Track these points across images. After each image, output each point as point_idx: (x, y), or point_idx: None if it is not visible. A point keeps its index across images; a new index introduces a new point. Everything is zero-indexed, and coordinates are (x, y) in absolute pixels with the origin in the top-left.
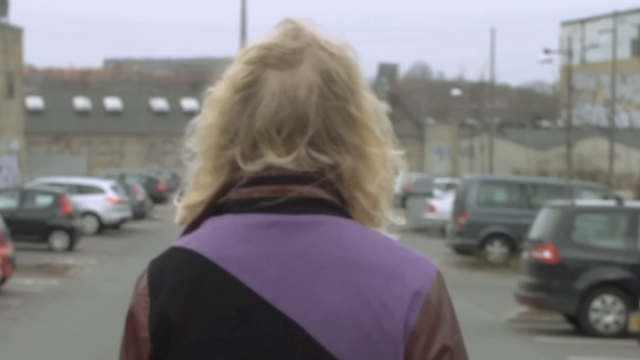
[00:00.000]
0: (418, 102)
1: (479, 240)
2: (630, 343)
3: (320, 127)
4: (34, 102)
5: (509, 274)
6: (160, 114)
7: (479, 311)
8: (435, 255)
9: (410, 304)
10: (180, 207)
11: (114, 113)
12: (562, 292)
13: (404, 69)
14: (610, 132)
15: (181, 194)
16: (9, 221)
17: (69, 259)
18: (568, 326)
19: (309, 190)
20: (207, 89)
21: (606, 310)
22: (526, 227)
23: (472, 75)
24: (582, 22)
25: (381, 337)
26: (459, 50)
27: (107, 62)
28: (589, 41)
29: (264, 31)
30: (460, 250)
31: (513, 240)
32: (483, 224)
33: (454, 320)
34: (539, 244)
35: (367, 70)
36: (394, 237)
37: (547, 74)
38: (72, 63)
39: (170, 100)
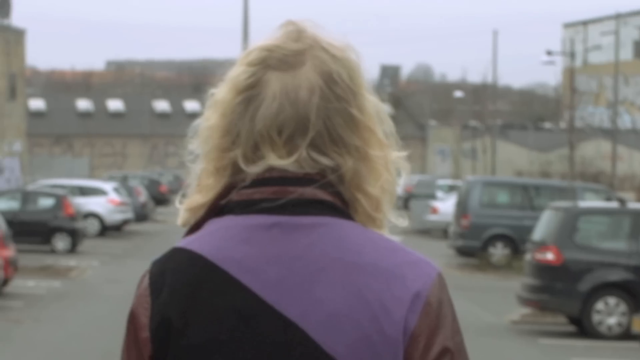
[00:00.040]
0: (420, 103)
1: (482, 242)
2: (633, 345)
3: (322, 129)
4: (36, 103)
5: (511, 276)
6: (163, 115)
7: (481, 313)
8: (438, 256)
9: (410, 306)
10: (182, 209)
11: (116, 115)
12: (565, 294)
13: (406, 70)
14: (612, 134)
15: (183, 195)
16: (11, 223)
17: (71, 261)
18: (571, 328)
19: (310, 191)
20: (210, 90)
21: (609, 312)
22: (529, 229)
23: (475, 76)
24: (585, 23)
25: (381, 339)
26: (462, 51)
27: (110, 63)
28: (592, 43)
29: (266, 33)
30: (463, 251)
31: (515, 242)
32: (485, 226)
33: (454, 322)
34: (541, 245)
35: (369, 72)
36: (396, 238)
37: (550, 76)
38: (74, 65)
39: (173, 102)
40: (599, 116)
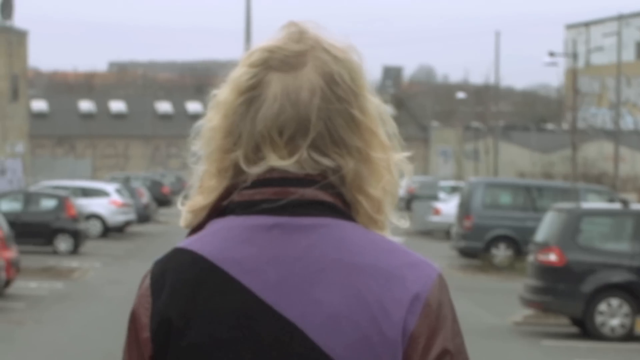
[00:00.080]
0: (423, 105)
1: (484, 243)
2: (637, 346)
3: (323, 130)
4: (39, 105)
5: (514, 277)
6: (165, 116)
7: (484, 314)
8: (440, 258)
9: (410, 307)
10: (184, 211)
11: (119, 116)
12: (568, 295)
13: (408, 71)
14: (615, 135)
15: (185, 197)
16: (13, 224)
17: (73, 262)
18: (574, 329)
19: (310, 192)
20: (212, 91)
21: (612, 314)
22: (531, 230)
23: (477, 78)
24: (587, 25)
25: (380, 340)
26: (464, 53)
27: (112, 65)
28: (594, 44)
29: (268, 34)
30: (465, 253)
31: (518, 243)
32: (488, 227)
33: (455, 324)
34: (544, 246)
35: (372, 73)
36: (398, 239)
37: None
38: (76, 66)
39: (175, 103)
40: (601, 117)
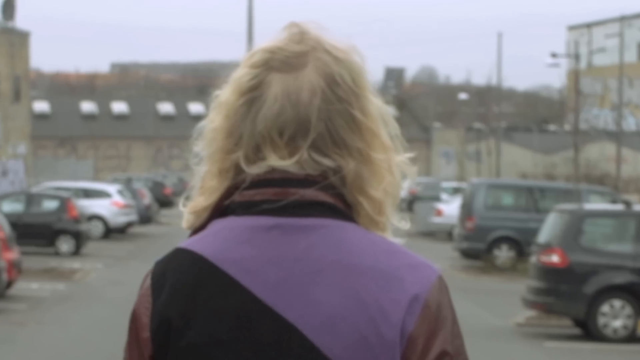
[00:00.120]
0: (425, 106)
1: (487, 244)
2: (639, 348)
3: (323, 131)
4: (41, 106)
5: (516, 278)
6: (167, 118)
7: (486, 315)
8: (443, 259)
9: (408, 308)
10: (186, 212)
11: (121, 117)
12: (570, 297)
13: (410, 72)
14: (617, 136)
15: (187, 198)
16: (15, 225)
17: (75, 263)
18: (576, 331)
19: (311, 193)
20: (214, 92)
21: (614, 315)
22: (533, 231)
23: (479, 79)
24: (589, 26)
25: (378, 341)
26: (466, 54)
27: (114, 66)
28: (596, 45)
29: (270, 35)
30: (468, 254)
31: (520, 244)
32: (490, 228)
33: (454, 326)
34: (547, 248)
35: (374, 74)
36: (399, 241)
37: (554, 78)
38: (78, 67)
39: (177, 105)
40: (603, 118)
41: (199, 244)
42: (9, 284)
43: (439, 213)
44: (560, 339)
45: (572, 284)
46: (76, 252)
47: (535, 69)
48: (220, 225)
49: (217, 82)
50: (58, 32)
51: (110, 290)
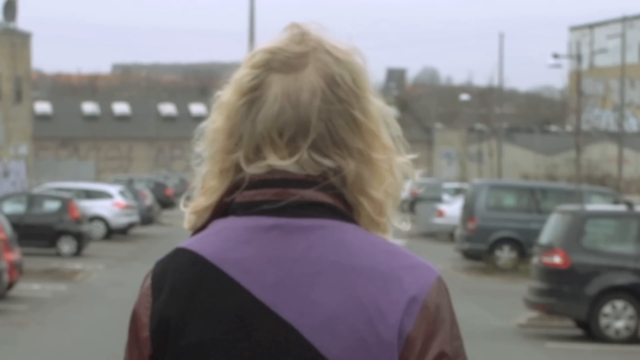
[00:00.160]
0: (426, 107)
1: (488, 245)
2: None
3: (323, 131)
4: (42, 107)
5: (518, 279)
6: (169, 119)
7: (488, 316)
8: (444, 260)
9: (406, 309)
10: (187, 213)
11: (122, 118)
12: (572, 298)
13: (412, 73)
14: (619, 137)
15: (188, 198)
16: (16, 226)
17: (76, 264)
18: (578, 332)
19: (310, 193)
20: (216, 93)
21: (617, 316)
22: (535, 232)
23: (481, 80)
24: (591, 27)
25: (376, 342)
26: (468, 55)
27: (116, 67)
28: (598, 46)
29: (271, 36)
30: (469, 255)
31: (522, 245)
32: (492, 229)
33: (453, 327)
34: (549, 249)
35: (375, 75)
36: (400, 242)
37: (556, 79)
38: (80, 68)
39: (179, 105)
40: (605, 119)
41: (199, 244)
42: (10, 285)
43: (440, 214)
44: (562, 340)
45: (574, 285)
46: (77, 253)
47: (537, 70)
48: (221, 225)
49: (219, 82)
50: (60, 33)
51: (112, 291)
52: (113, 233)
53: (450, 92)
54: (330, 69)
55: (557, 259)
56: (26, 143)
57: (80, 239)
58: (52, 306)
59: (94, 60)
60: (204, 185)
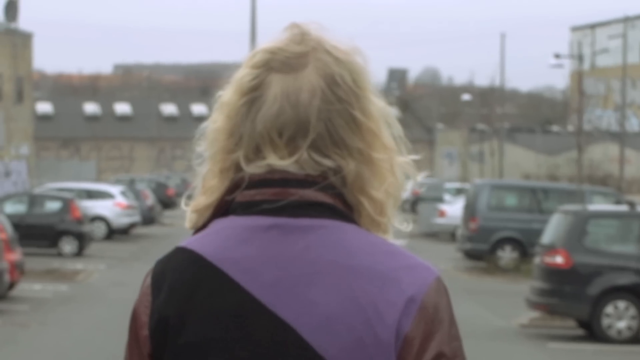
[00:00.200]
0: (428, 107)
1: (490, 245)
2: None
3: (323, 131)
4: (44, 107)
5: (519, 279)
6: (170, 119)
7: (489, 316)
8: (446, 260)
9: (404, 309)
10: (189, 211)
11: (124, 118)
12: (574, 298)
13: (413, 74)
14: (620, 137)
15: (189, 197)
16: (18, 226)
17: (77, 264)
18: (580, 332)
19: (310, 193)
20: (217, 93)
21: (619, 316)
22: (537, 232)
23: (482, 80)
24: (592, 27)
25: (373, 342)
26: (469, 55)
27: (117, 67)
28: (599, 46)
29: (272, 35)
30: (471, 255)
31: (524, 245)
32: (494, 229)
33: (452, 328)
34: (551, 249)
35: (377, 75)
36: (401, 242)
37: (558, 79)
38: (81, 68)
39: (180, 106)
40: (606, 119)
41: (198, 243)
42: (12, 285)
43: (442, 214)
44: (564, 340)
45: (576, 285)
46: (79, 253)
47: (539, 70)
48: (221, 224)
49: (220, 83)
50: (61, 33)
51: (113, 291)
52: (114, 233)
53: (451, 92)
54: (330, 68)
55: (559, 259)
56: (27, 143)
57: (82, 239)
58: (54, 306)
59: (95, 60)
60: (204, 184)
